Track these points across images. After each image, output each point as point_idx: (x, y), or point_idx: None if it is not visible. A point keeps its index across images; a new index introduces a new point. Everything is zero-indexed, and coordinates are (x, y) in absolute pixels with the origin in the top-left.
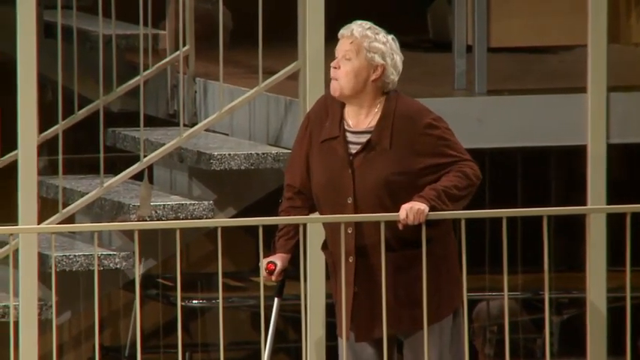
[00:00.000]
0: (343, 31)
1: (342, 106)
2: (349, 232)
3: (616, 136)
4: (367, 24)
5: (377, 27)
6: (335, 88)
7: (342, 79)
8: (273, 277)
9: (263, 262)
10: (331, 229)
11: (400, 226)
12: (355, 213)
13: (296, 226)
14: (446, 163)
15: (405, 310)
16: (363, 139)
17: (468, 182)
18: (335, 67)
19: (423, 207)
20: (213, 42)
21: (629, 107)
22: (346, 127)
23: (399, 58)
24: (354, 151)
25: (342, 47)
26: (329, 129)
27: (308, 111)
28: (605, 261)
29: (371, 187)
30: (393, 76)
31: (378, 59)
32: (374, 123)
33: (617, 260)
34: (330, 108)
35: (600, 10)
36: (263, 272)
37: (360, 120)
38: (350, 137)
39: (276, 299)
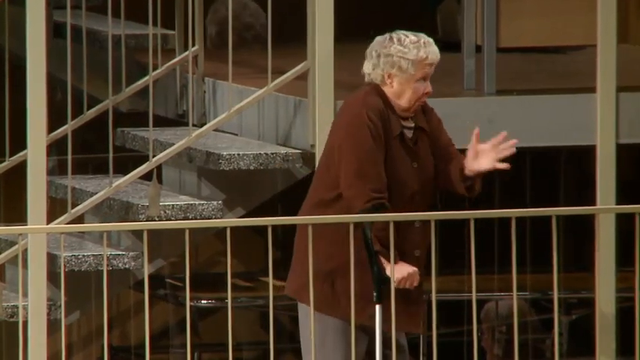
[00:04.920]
0: (436, 57)
1: (387, 101)
2: (417, 225)
3: (625, 136)
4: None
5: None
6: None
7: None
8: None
9: (412, 271)
10: (400, 223)
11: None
12: (418, 204)
13: None
14: (449, 141)
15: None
16: (410, 132)
17: None
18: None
19: None
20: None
21: (638, 107)
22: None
23: None
24: (412, 145)
25: (430, 71)
26: (396, 123)
27: (360, 110)
28: (615, 261)
29: (428, 179)
30: None
31: None
32: (408, 114)
33: (627, 260)
34: (384, 102)
35: (610, 10)
36: (416, 282)
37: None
38: (406, 132)
39: (378, 306)
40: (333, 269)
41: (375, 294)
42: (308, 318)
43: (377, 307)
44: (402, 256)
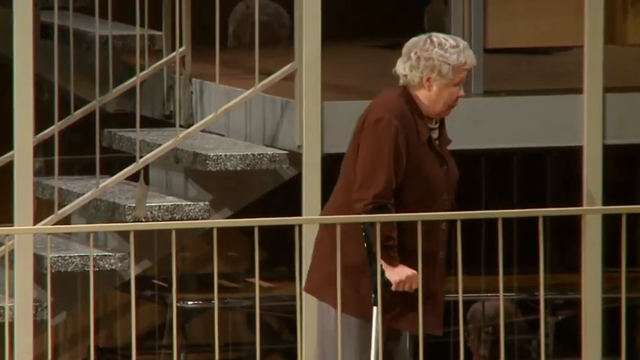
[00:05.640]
0: (474, 62)
1: (414, 105)
2: (444, 227)
3: (612, 137)
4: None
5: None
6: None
7: None
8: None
9: (410, 274)
10: (430, 225)
11: None
12: (447, 207)
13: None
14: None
15: None
16: (436, 133)
17: None
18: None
19: None
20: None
21: (625, 108)
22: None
23: None
24: (439, 149)
25: (465, 76)
26: (423, 128)
27: (384, 114)
28: (601, 262)
29: (455, 180)
30: None
31: None
32: (438, 118)
33: (613, 261)
34: (410, 107)
35: (597, 11)
36: (415, 285)
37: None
38: (433, 135)
39: (375, 308)
40: (357, 269)
41: (372, 295)
42: (327, 317)
43: (374, 308)
44: (430, 258)
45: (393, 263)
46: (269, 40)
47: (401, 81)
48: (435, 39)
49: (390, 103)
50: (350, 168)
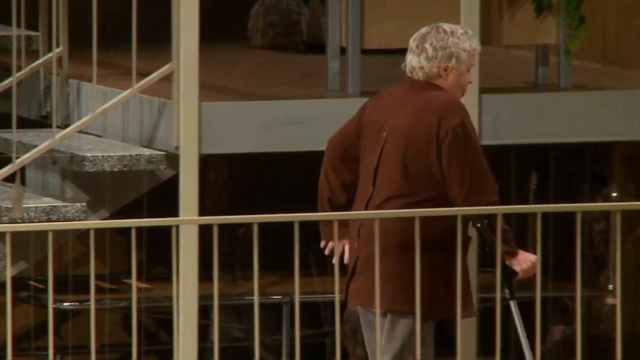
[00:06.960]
0: (479, 48)
1: None
2: None
3: (488, 138)
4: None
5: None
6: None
7: None
8: None
9: (534, 260)
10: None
11: None
12: None
13: None
14: None
15: None
16: None
17: None
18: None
19: None
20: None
21: (500, 109)
22: None
23: None
24: None
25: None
26: None
27: (462, 118)
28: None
29: None
30: None
31: None
32: None
33: (487, 261)
34: None
35: (472, 12)
36: (536, 269)
37: None
38: None
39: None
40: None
41: (507, 291)
42: (404, 323)
43: (512, 302)
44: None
45: (514, 253)
46: (276, 39)
47: (419, 75)
48: (447, 28)
49: (458, 102)
50: (427, 167)
